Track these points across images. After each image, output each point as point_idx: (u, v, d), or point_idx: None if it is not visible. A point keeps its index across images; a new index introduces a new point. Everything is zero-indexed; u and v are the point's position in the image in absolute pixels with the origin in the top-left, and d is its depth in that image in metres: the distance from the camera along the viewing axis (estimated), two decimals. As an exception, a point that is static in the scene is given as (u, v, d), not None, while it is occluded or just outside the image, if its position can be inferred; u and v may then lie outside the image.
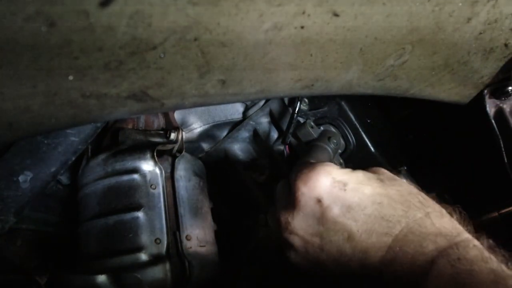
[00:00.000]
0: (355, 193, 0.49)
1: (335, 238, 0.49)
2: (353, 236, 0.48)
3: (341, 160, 0.84)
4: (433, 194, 0.53)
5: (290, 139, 0.82)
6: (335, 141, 0.78)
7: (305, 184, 0.50)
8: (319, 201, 0.49)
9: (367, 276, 0.48)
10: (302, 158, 0.75)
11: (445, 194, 0.54)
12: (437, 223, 0.47)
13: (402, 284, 0.45)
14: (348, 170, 0.53)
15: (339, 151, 0.84)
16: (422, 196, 0.50)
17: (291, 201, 0.52)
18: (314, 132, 0.80)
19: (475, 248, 0.44)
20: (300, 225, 0.51)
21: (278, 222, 0.54)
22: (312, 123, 0.82)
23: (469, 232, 0.48)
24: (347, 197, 0.49)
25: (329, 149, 0.78)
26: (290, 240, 0.53)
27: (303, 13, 0.43)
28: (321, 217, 0.49)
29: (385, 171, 0.56)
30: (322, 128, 0.85)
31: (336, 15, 0.45)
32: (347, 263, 0.49)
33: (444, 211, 0.50)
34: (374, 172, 0.54)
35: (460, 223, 0.49)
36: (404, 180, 0.54)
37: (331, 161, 0.75)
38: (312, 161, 0.73)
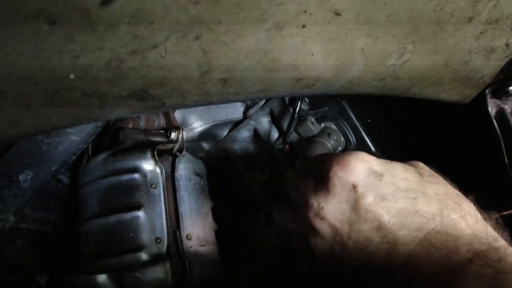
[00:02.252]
0: (389, 185, 0.49)
1: (364, 227, 0.48)
2: (383, 226, 0.47)
3: None
4: (471, 196, 0.52)
5: (291, 138, 0.82)
6: (335, 138, 0.79)
7: (342, 169, 0.49)
8: (354, 187, 0.49)
9: (389, 269, 0.47)
10: (302, 153, 0.75)
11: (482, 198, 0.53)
12: (472, 226, 0.46)
13: (431, 281, 0.44)
14: (385, 161, 0.52)
15: (339, 148, 0.84)
16: (459, 198, 0.50)
17: (323, 185, 0.51)
18: (314, 128, 0.80)
19: None
20: (333, 210, 0.50)
21: (307, 206, 0.51)
22: (313, 120, 0.82)
23: (505, 239, 0.47)
24: (381, 187, 0.48)
25: (329, 145, 0.78)
26: (318, 226, 0.51)
27: (305, 12, 0.43)
28: (355, 203, 0.49)
29: (424, 166, 0.55)
30: (323, 124, 0.85)
31: (337, 14, 0.45)
32: (372, 253, 0.48)
33: (479, 216, 0.49)
34: (415, 169, 0.53)
35: (495, 230, 0.48)
36: (443, 179, 0.53)
37: None
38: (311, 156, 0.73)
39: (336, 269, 0.53)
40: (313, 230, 0.52)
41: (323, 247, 0.52)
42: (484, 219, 0.49)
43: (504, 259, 0.42)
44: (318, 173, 0.53)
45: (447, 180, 0.54)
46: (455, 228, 0.46)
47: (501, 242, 0.46)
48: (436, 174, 0.53)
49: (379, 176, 0.49)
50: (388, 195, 0.48)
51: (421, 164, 0.55)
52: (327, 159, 0.52)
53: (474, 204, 0.51)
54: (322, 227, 0.51)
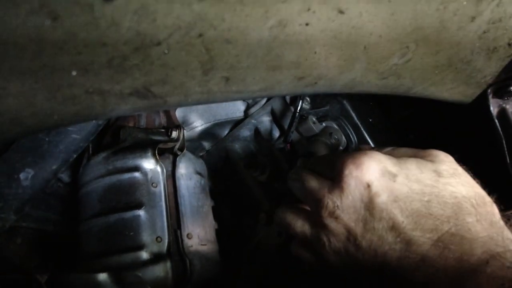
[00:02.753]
0: (403, 187, 0.48)
1: (379, 226, 0.48)
2: (397, 226, 0.47)
3: None
4: (494, 196, 0.51)
5: (292, 137, 0.82)
6: (336, 137, 0.78)
7: (357, 167, 0.49)
8: (368, 186, 0.48)
9: (402, 270, 0.47)
10: (302, 152, 0.75)
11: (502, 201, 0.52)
12: (488, 230, 0.46)
13: (446, 283, 0.44)
14: (399, 161, 0.51)
15: (340, 147, 0.84)
16: (477, 202, 0.49)
17: (337, 184, 0.50)
18: (316, 127, 0.80)
19: None
20: (347, 209, 0.49)
21: (321, 205, 0.51)
22: (314, 119, 0.82)
23: None
24: (395, 188, 0.48)
25: (330, 144, 0.78)
26: (332, 225, 0.50)
27: (308, 10, 0.43)
28: (369, 202, 0.48)
29: (446, 159, 0.53)
30: (324, 124, 0.85)
31: (341, 12, 0.45)
32: (386, 253, 0.47)
33: (495, 219, 0.48)
34: (432, 161, 0.52)
35: None
36: (466, 176, 0.51)
37: None
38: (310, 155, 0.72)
39: (346, 270, 0.52)
40: (326, 229, 0.51)
41: (337, 247, 0.51)
42: (504, 221, 0.49)
43: None
44: (331, 172, 0.52)
45: (469, 173, 0.52)
46: (470, 231, 0.45)
47: None
48: (458, 171, 0.52)
49: (393, 176, 0.49)
50: (402, 197, 0.48)
51: (441, 157, 0.53)
52: (340, 158, 0.52)
53: (496, 204, 0.50)
54: (336, 226, 0.50)
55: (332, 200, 0.50)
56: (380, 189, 0.48)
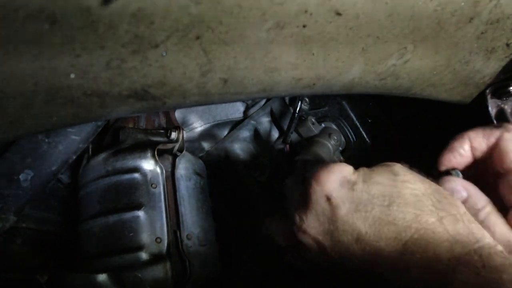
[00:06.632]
0: (362, 193, 0.48)
1: (343, 238, 0.48)
2: (361, 238, 0.47)
3: (342, 158, 0.84)
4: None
5: (291, 138, 0.82)
6: (335, 138, 0.79)
7: (316, 181, 0.50)
8: (328, 199, 0.49)
9: (376, 278, 0.47)
10: (302, 153, 0.75)
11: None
12: (451, 229, 0.45)
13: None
14: (360, 169, 0.52)
15: (340, 148, 0.84)
16: (436, 197, 0.48)
17: (303, 199, 0.51)
18: (315, 128, 0.81)
19: (500, 255, 0.42)
20: (312, 224, 0.50)
21: (291, 221, 0.53)
22: (313, 120, 0.82)
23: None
24: (355, 196, 0.48)
25: (330, 145, 0.78)
26: (303, 240, 0.52)
27: (306, 11, 0.43)
28: (331, 215, 0.49)
29: (400, 165, 0.53)
30: (323, 124, 0.85)
31: (338, 14, 0.45)
32: (356, 265, 0.48)
33: (460, 213, 0.47)
34: (389, 168, 0.52)
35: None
36: (421, 177, 0.51)
37: (331, 157, 0.75)
38: (308, 157, 0.73)
39: (333, 269, 0.54)
40: (300, 243, 0.53)
41: (314, 257, 0.53)
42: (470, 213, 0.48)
43: (489, 264, 0.41)
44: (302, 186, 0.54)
45: (421, 173, 0.52)
46: (434, 234, 0.44)
47: (485, 241, 0.43)
48: (413, 173, 0.51)
49: (352, 184, 0.49)
50: (362, 205, 0.47)
51: (398, 165, 0.53)
52: (308, 172, 0.53)
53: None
54: (306, 240, 0.52)
55: (299, 215, 0.52)
56: (340, 201, 0.48)
